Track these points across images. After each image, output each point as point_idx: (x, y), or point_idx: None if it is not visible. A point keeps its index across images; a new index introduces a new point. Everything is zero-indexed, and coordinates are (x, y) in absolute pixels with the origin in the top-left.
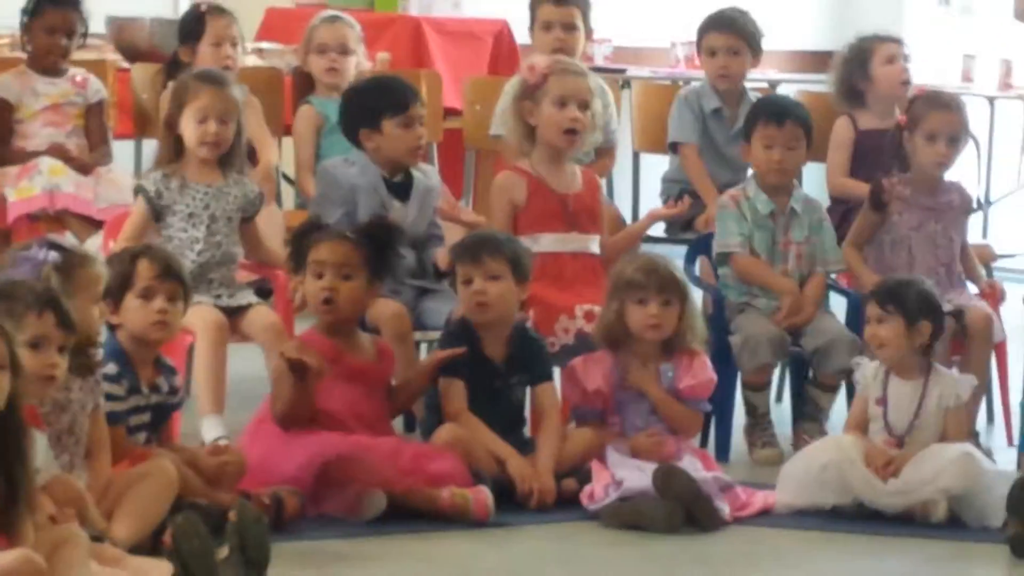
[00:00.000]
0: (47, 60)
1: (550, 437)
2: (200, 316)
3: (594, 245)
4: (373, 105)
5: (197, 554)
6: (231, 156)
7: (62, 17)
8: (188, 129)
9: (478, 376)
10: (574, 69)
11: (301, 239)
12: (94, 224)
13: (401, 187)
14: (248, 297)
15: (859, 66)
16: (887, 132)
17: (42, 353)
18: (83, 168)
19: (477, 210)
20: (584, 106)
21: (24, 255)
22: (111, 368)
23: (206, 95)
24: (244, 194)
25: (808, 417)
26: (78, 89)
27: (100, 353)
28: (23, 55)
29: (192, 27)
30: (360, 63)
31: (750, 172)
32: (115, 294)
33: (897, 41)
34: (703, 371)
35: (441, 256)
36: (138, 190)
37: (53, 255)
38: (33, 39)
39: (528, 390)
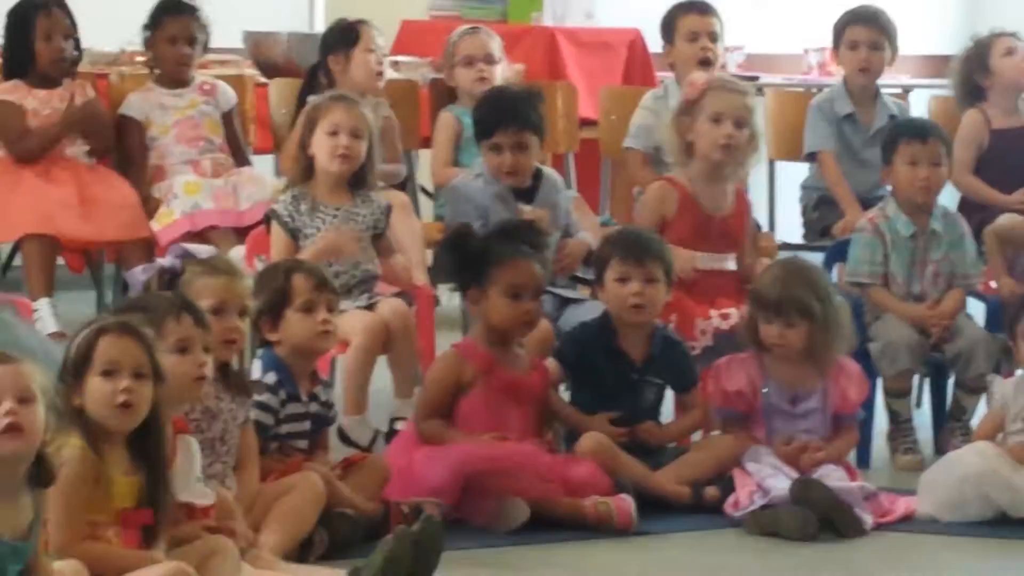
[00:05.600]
0: (174, 71)
1: (684, 420)
2: (356, 320)
3: (731, 263)
4: (485, 119)
5: None
6: (361, 175)
7: (181, 25)
8: (320, 145)
9: (613, 369)
10: (731, 87)
11: (473, 251)
12: (239, 233)
13: (528, 192)
14: (382, 295)
15: (978, 62)
16: (1017, 131)
17: (190, 355)
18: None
19: (616, 217)
20: (740, 124)
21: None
22: (270, 377)
23: (338, 111)
24: (372, 212)
25: (952, 417)
26: (206, 97)
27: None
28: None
29: (343, 35)
30: (504, 72)
31: (888, 190)
32: (272, 311)
33: (1013, 35)
34: (855, 385)
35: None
36: (270, 216)
37: (168, 261)
38: (157, 52)
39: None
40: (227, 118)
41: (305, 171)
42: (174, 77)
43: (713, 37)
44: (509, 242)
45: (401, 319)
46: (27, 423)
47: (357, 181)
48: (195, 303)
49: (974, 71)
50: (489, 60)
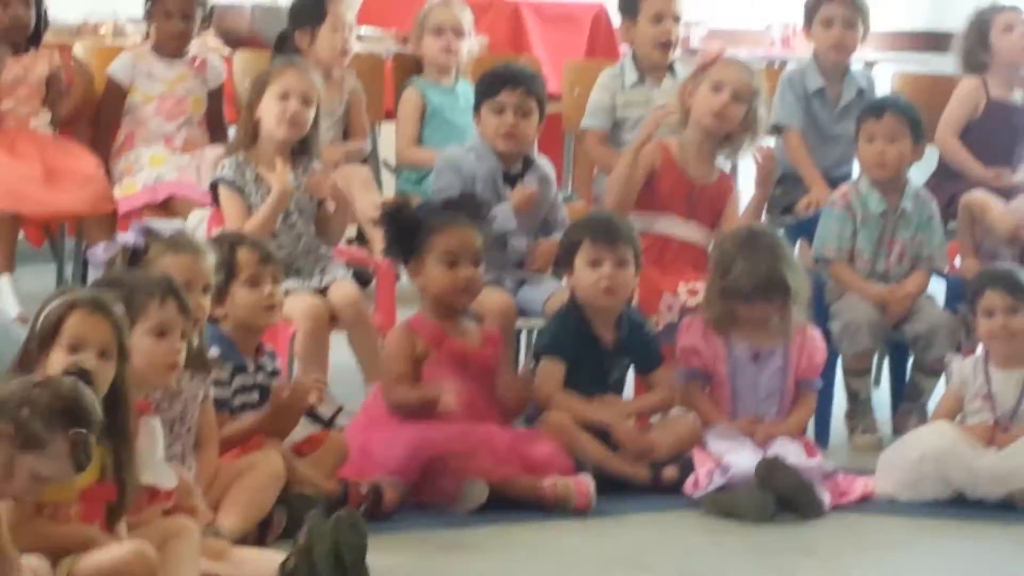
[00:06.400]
0: (169, 45)
1: (651, 396)
2: (299, 305)
3: (704, 239)
4: (490, 81)
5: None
6: (305, 143)
7: (178, 1)
8: (268, 108)
9: (586, 357)
10: (741, 64)
11: (411, 224)
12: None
13: (517, 177)
14: (337, 272)
15: (979, 37)
16: (1012, 108)
17: (167, 340)
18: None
19: (578, 193)
20: (738, 97)
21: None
22: (214, 351)
23: (290, 74)
24: None
25: (909, 398)
26: (196, 73)
27: (213, 351)
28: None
29: (311, 11)
30: (471, 48)
31: (858, 168)
32: (220, 287)
33: (1015, 10)
34: (818, 350)
35: (543, 253)
36: (218, 181)
37: (131, 238)
38: (155, 24)
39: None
40: (213, 95)
41: (249, 136)
42: (168, 51)
43: (676, 19)
44: (447, 212)
45: (353, 308)
46: None
47: (301, 149)
48: (182, 290)
49: (975, 45)
50: (458, 32)
